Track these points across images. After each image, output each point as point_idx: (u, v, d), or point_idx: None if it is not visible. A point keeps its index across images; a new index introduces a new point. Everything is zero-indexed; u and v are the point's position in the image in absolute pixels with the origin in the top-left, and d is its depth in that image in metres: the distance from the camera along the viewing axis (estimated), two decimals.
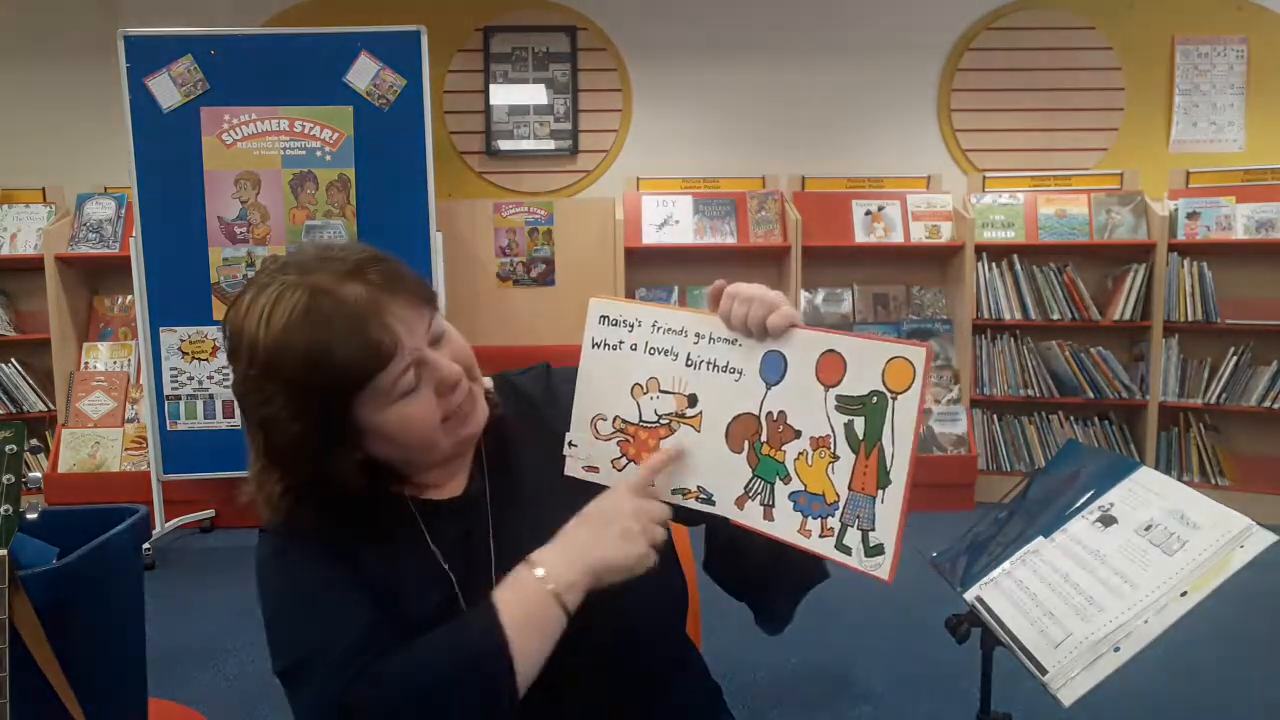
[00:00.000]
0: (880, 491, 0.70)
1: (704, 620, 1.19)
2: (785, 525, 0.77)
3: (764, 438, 0.79)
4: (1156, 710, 1.99)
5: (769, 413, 0.78)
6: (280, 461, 0.78)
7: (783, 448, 0.77)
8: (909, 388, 0.69)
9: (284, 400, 0.74)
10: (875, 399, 0.71)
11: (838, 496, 0.73)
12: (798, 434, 0.76)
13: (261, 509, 0.81)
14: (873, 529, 0.71)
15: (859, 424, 0.72)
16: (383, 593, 0.79)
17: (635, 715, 0.87)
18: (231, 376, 0.79)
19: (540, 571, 0.75)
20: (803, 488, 0.76)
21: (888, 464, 0.70)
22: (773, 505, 0.78)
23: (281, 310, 0.73)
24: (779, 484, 0.78)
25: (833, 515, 0.74)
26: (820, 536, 0.74)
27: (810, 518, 0.75)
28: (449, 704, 0.72)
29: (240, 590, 2.79)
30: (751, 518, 0.80)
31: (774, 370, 0.78)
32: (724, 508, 0.82)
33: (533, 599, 0.74)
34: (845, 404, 0.73)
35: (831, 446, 0.74)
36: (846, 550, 0.73)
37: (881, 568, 0.70)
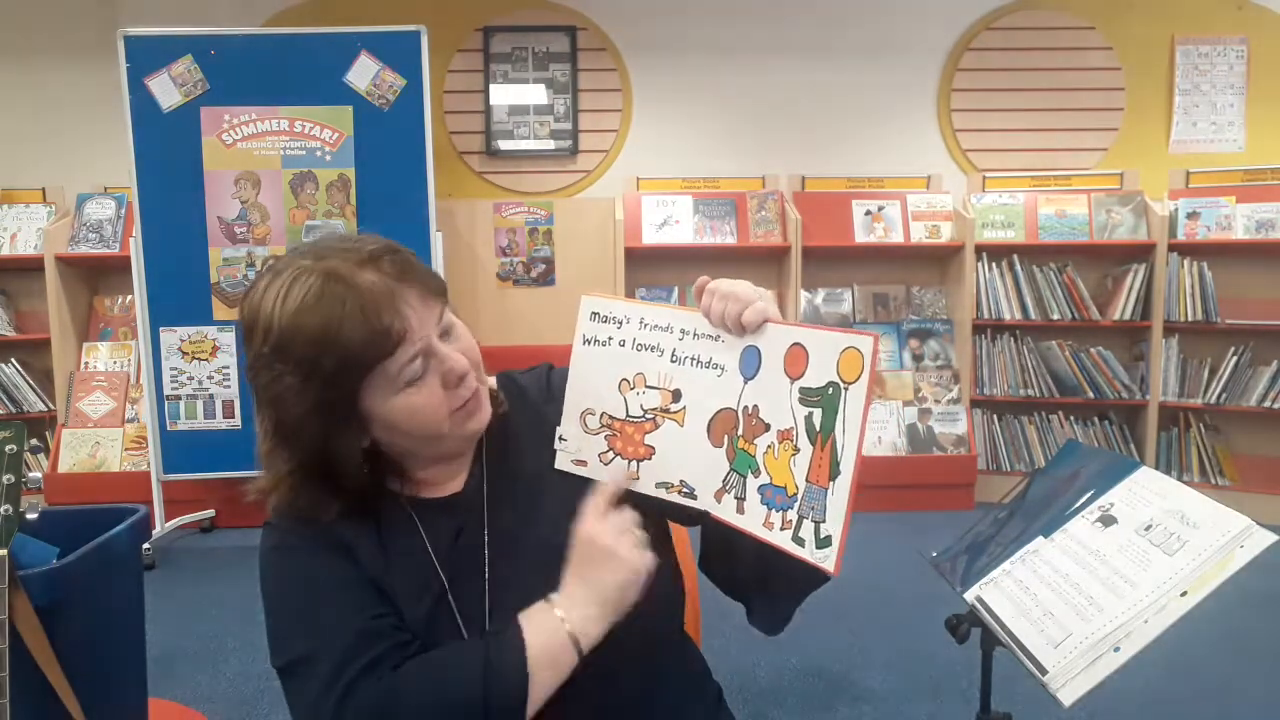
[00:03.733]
0: (831, 483, 0.70)
1: (704, 620, 1.19)
2: (753, 518, 0.78)
3: (740, 431, 0.79)
4: (1156, 710, 1.99)
5: (745, 407, 0.79)
6: (288, 440, 0.79)
7: (754, 441, 0.78)
8: (859, 378, 0.69)
9: (293, 379, 0.75)
10: (831, 390, 0.71)
11: (797, 489, 0.74)
12: (767, 427, 0.77)
13: (268, 490, 0.82)
14: (823, 520, 0.71)
15: (817, 415, 0.72)
16: (379, 591, 0.80)
17: (635, 715, 0.87)
18: (245, 359, 0.80)
19: (559, 613, 0.77)
20: (769, 481, 0.76)
21: (839, 455, 0.70)
22: (744, 499, 0.79)
23: (297, 291, 0.74)
24: (750, 477, 0.78)
25: (792, 508, 0.74)
26: (780, 529, 0.75)
27: (774, 510, 0.76)
28: None
29: (240, 590, 2.79)
30: (727, 511, 0.80)
31: (750, 365, 0.79)
32: (704, 501, 0.82)
33: (553, 638, 0.76)
34: (807, 396, 0.73)
35: (794, 439, 0.74)
36: (801, 542, 0.73)
37: (828, 560, 0.70)
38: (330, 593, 0.79)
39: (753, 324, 0.77)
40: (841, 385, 0.70)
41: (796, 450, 0.74)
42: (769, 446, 0.76)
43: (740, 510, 0.79)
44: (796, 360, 0.74)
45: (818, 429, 0.72)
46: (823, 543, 0.71)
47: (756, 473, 0.78)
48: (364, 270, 0.75)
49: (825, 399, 0.71)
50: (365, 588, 0.79)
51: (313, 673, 0.74)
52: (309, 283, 0.74)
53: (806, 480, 0.73)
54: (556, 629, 0.76)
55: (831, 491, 0.70)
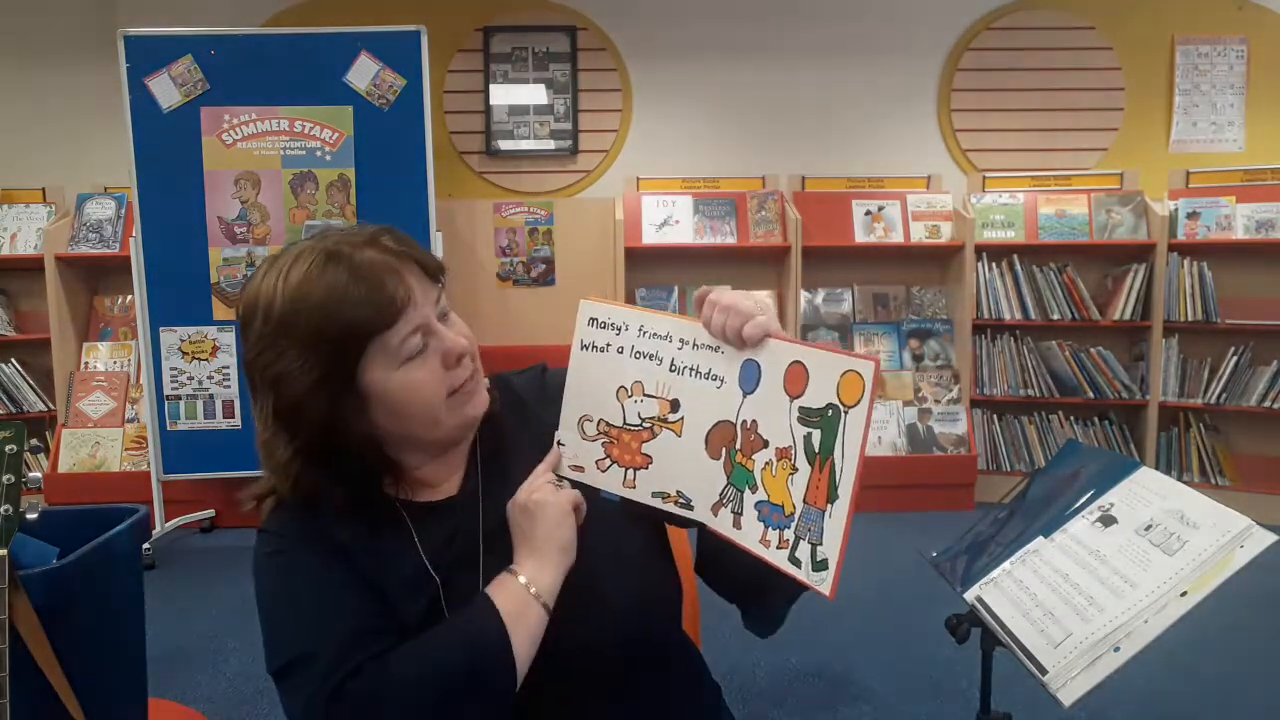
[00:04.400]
0: (829, 506, 0.70)
1: (704, 620, 1.19)
2: (750, 534, 0.77)
3: (738, 445, 0.79)
4: (1156, 710, 1.99)
5: (744, 421, 0.78)
6: (288, 423, 0.79)
7: (753, 456, 0.77)
8: (859, 401, 0.68)
9: (296, 354, 0.76)
10: (830, 412, 0.70)
11: (794, 509, 0.73)
12: (766, 444, 0.76)
13: (265, 494, 0.83)
14: (820, 543, 0.70)
15: (815, 437, 0.72)
16: (375, 592, 0.80)
17: (635, 715, 0.87)
18: (243, 352, 0.81)
19: (523, 579, 0.79)
20: (766, 498, 0.76)
21: (837, 478, 0.69)
22: (741, 514, 0.78)
23: (300, 268, 0.76)
24: (747, 492, 0.78)
25: (789, 527, 0.73)
26: (777, 548, 0.74)
27: (770, 528, 0.75)
28: (459, 695, 0.73)
29: (240, 590, 2.79)
30: (723, 525, 0.80)
31: (750, 379, 0.78)
32: (700, 513, 0.82)
33: (519, 599, 0.78)
34: (806, 416, 0.73)
35: (792, 458, 0.74)
36: (797, 563, 0.72)
37: (825, 583, 0.69)
38: (326, 594, 0.78)
39: (753, 339, 0.76)
40: (841, 408, 0.70)
41: (794, 469, 0.73)
42: (767, 463, 0.76)
43: (737, 525, 0.78)
44: (796, 379, 0.74)
45: (816, 450, 0.71)
46: (819, 565, 0.70)
47: (754, 488, 0.77)
48: (365, 249, 0.78)
49: (825, 420, 0.71)
50: (361, 589, 0.79)
51: (309, 672, 0.74)
52: (311, 259, 0.77)
53: (804, 501, 0.72)
54: (517, 588, 0.78)
55: (829, 515, 0.70)
